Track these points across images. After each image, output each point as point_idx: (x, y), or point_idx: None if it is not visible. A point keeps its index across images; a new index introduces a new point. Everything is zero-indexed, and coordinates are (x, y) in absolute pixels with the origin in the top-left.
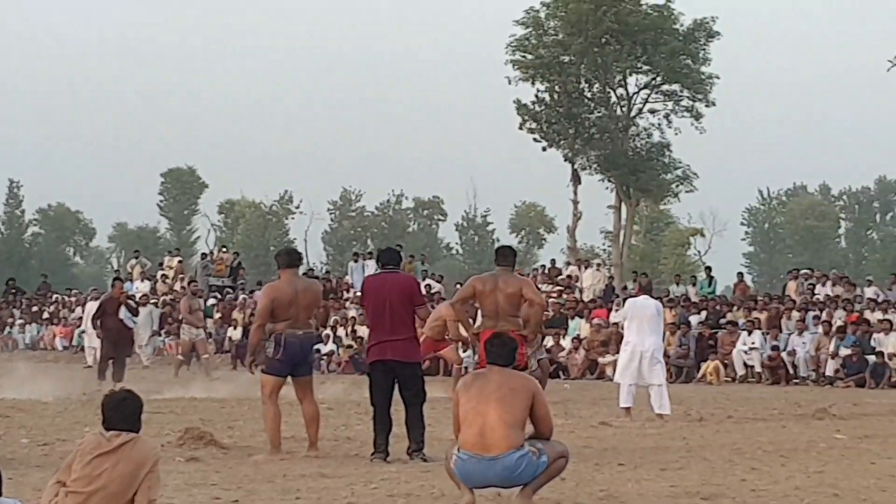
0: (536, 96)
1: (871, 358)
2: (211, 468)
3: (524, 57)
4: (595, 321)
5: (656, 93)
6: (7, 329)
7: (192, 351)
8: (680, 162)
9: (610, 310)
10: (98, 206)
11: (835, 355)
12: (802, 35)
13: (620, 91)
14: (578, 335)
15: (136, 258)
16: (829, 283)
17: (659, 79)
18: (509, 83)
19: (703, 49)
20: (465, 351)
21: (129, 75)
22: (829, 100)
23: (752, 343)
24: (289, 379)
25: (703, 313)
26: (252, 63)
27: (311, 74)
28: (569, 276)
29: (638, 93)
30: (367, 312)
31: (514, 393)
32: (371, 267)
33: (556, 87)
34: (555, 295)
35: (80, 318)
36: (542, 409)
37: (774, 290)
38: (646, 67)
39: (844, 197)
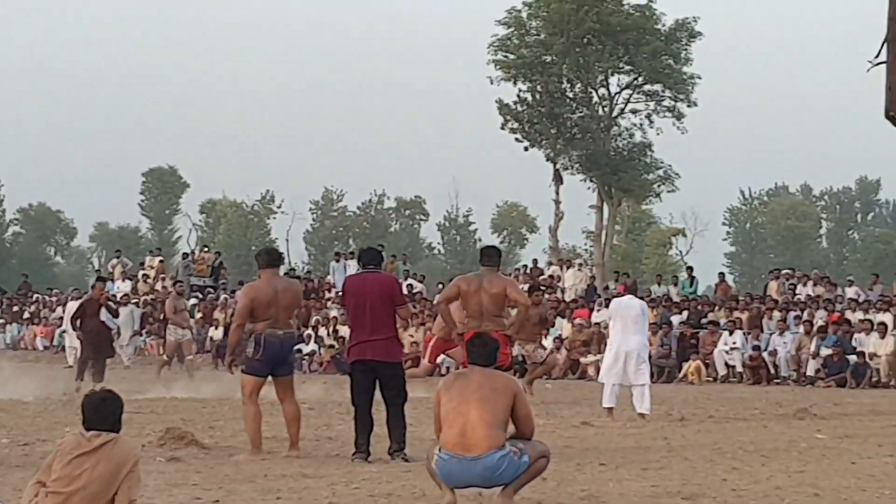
0: (518, 96)
1: (852, 358)
2: (192, 468)
3: (506, 57)
4: (577, 321)
5: (638, 93)
6: None
7: (178, 351)
8: (662, 162)
9: (592, 310)
10: (79, 206)
11: (816, 355)
12: (784, 35)
13: (602, 91)
14: (560, 335)
15: (118, 258)
16: (810, 283)
17: (641, 79)
18: (491, 83)
19: (685, 49)
20: None
21: (111, 74)
22: (810, 100)
23: (734, 343)
24: (270, 379)
25: (685, 313)
26: (234, 62)
27: (292, 74)
28: (551, 276)
29: (620, 93)
30: (347, 312)
31: (496, 393)
32: (353, 267)
33: (538, 87)
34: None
35: (61, 318)
36: (523, 409)
37: (756, 290)
38: (627, 67)
39: (826, 197)
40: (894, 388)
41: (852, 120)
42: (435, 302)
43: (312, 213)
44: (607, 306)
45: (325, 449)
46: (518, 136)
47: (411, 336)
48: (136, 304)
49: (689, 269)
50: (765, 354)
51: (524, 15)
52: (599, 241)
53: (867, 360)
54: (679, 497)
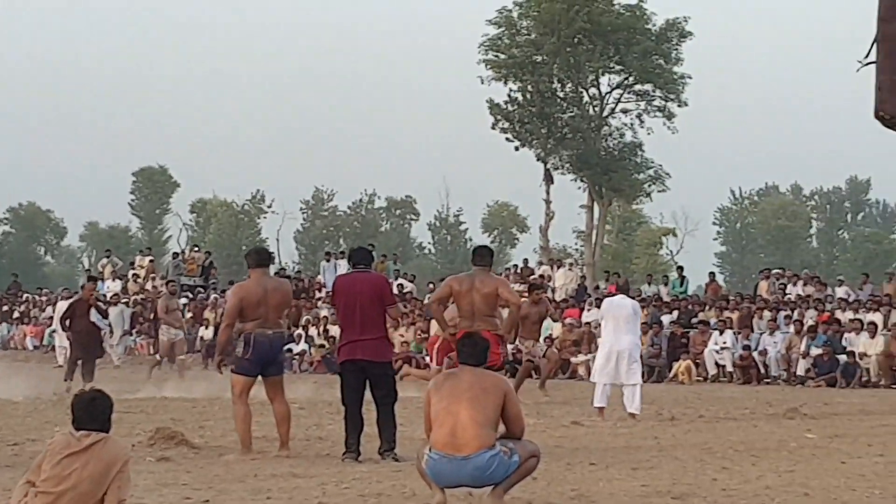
0: (509, 96)
1: (842, 357)
2: (182, 468)
3: (497, 56)
4: (567, 321)
5: (629, 92)
6: None
7: (169, 351)
8: (652, 162)
9: (582, 309)
10: (69, 205)
11: (806, 355)
12: (774, 35)
13: (593, 91)
14: (551, 335)
15: (108, 257)
16: (800, 283)
17: (631, 79)
18: (482, 83)
19: (676, 49)
20: None
21: (101, 73)
22: (800, 100)
23: (724, 342)
24: (260, 378)
25: (675, 313)
26: (225, 62)
27: (283, 73)
28: (541, 276)
29: (610, 92)
30: (337, 312)
31: (486, 392)
32: (343, 266)
33: (529, 87)
34: (526, 295)
35: (51, 318)
36: (513, 409)
37: (746, 290)
38: (618, 67)
39: (816, 197)
40: (884, 387)
41: (842, 120)
42: (427, 302)
43: (303, 213)
44: (598, 306)
45: (316, 449)
46: (509, 135)
47: (402, 336)
48: (127, 304)
49: (680, 268)
50: (755, 354)
51: (515, 15)
52: (590, 241)
53: (857, 359)
54: (669, 496)
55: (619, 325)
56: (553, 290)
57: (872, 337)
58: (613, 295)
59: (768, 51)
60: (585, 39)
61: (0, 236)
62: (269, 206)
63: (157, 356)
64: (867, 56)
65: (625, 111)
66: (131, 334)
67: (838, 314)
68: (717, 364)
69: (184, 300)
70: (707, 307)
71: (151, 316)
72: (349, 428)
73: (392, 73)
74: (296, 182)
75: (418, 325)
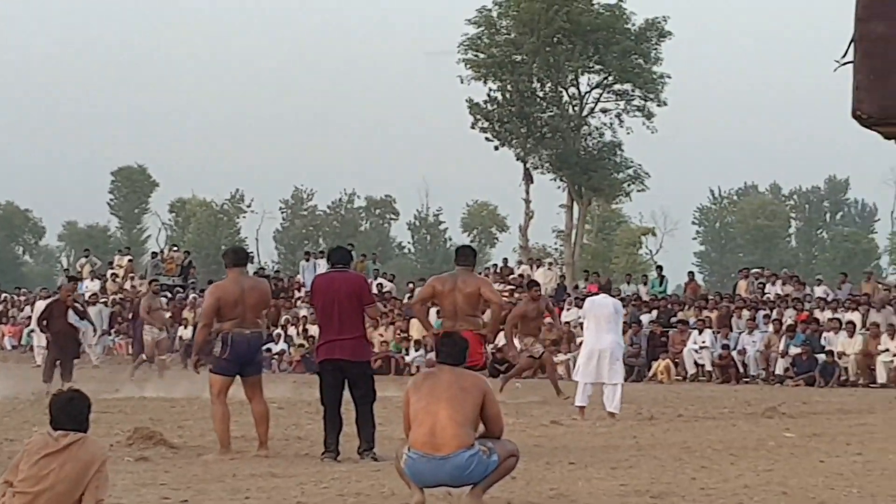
0: (488, 95)
1: (821, 357)
2: (160, 468)
3: (476, 56)
4: (547, 320)
5: (608, 92)
6: None
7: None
8: (631, 161)
9: (562, 309)
10: (48, 205)
11: (784, 354)
12: (753, 35)
13: (572, 90)
14: None
15: (86, 257)
16: (779, 283)
17: (611, 78)
18: (461, 82)
19: (655, 49)
20: (416, 350)
21: (79, 72)
22: (779, 100)
23: (703, 342)
24: (239, 378)
25: (655, 312)
26: (203, 62)
27: (262, 73)
28: (520, 276)
29: (590, 92)
30: (316, 311)
31: (465, 392)
32: (323, 266)
33: (508, 87)
34: (506, 294)
35: (29, 318)
36: (492, 409)
37: (725, 290)
38: (597, 67)
39: (795, 196)
40: (862, 386)
41: (821, 120)
42: (408, 302)
43: (282, 213)
44: (577, 306)
45: (295, 448)
46: (488, 135)
47: (381, 335)
48: (105, 304)
49: (659, 268)
50: (734, 353)
51: (494, 14)
52: (569, 241)
53: (836, 358)
54: (648, 496)
55: (600, 325)
56: None
57: (851, 336)
58: (594, 294)
59: (747, 51)
60: (565, 39)
61: None
62: (249, 206)
63: (143, 356)
64: (844, 55)
65: (604, 111)
66: (110, 334)
67: (817, 313)
68: (696, 363)
69: (163, 300)
70: (686, 306)
71: (130, 315)
72: (328, 427)
73: (371, 72)
74: (275, 181)
75: (398, 325)
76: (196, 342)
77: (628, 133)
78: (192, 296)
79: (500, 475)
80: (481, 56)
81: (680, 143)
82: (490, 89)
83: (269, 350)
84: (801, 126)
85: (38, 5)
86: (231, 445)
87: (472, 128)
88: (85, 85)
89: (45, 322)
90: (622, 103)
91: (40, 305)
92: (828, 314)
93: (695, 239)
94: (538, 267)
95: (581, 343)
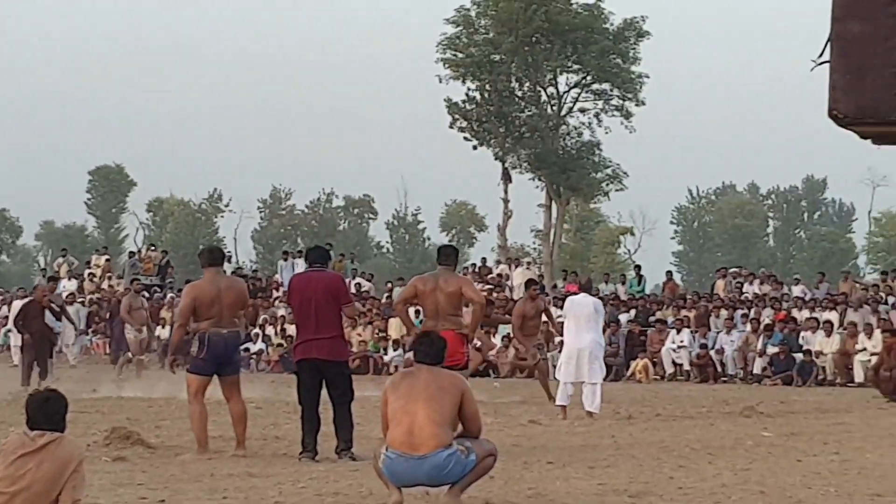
0: (467, 95)
1: (799, 356)
2: (137, 468)
3: (455, 55)
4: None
5: (586, 92)
6: None
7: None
8: (610, 161)
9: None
10: (25, 204)
11: (762, 353)
12: (731, 35)
13: (551, 90)
14: (508, 334)
15: (64, 257)
16: (756, 282)
17: (589, 78)
18: (440, 81)
19: (633, 48)
20: (395, 350)
21: (56, 71)
22: (757, 100)
23: (681, 341)
24: (216, 378)
25: (633, 311)
26: (180, 61)
27: (239, 72)
28: (499, 275)
29: (568, 92)
30: (293, 311)
31: (443, 391)
32: (301, 265)
33: (487, 86)
34: (485, 294)
35: (6, 317)
36: (470, 408)
37: (703, 289)
38: (576, 66)
39: (773, 196)
40: (840, 386)
41: (798, 119)
42: (391, 301)
43: (260, 212)
44: (556, 305)
45: (272, 448)
46: (467, 134)
47: (359, 335)
48: (83, 304)
49: (637, 267)
50: (712, 353)
51: (473, 14)
52: (548, 240)
53: (813, 358)
54: (626, 495)
55: (580, 324)
56: (511, 289)
57: (828, 335)
58: (574, 294)
59: (725, 51)
60: (543, 38)
61: None
62: (227, 205)
63: (128, 354)
64: (821, 55)
65: (582, 110)
66: (87, 334)
67: (795, 313)
68: (674, 363)
69: (144, 299)
70: (664, 306)
71: (108, 315)
72: (306, 427)
73: (349, 71)
74: (253, 181)
75: (376, 325)
76: (172, 342)
77: (607, 133)
78: (169, 295)
79: (478, 475)
80: (460, 55)
81: (658, 143)
82: (468, 89)
83: (247, 350)
84: (778, 126)
85: (13, 4)
86: (208, 445)
87: (451, 127)
88: (62, 84)
89: (20, 322)
90: (600, 103)
91: (17, 305)
92: (805, 313)
93: (673, 238)
94: (516, 266)
95: (560, 342)
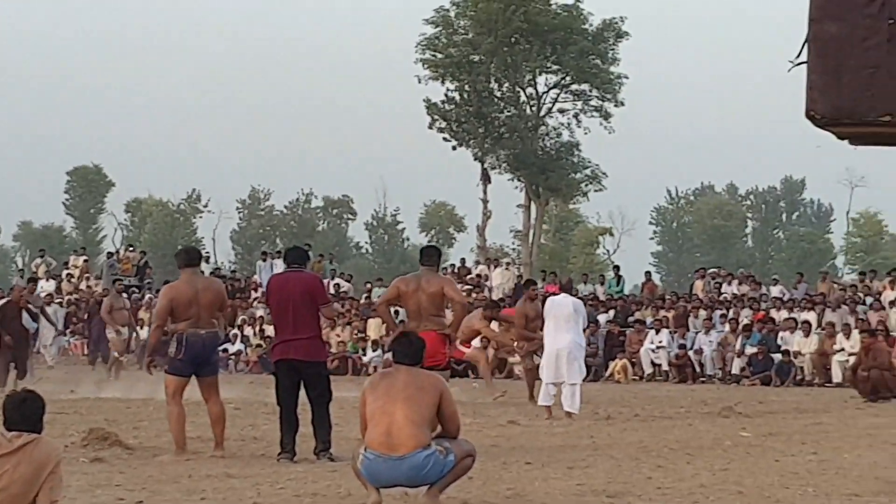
0: (446, 95)
1: (777, 356)
2: (115, 469)
3: (434, 56)
4: None
5: (565, 92)
6: None
7: (105, 349)
8: (589, 161)
9: None
10: (2, 204)
11: (741, 353)
12: (709, 36)
13: (530, 90)
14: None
15: (42, 257)
16: (735, 282)
17: (568, 78)
18: (419, 82)
19: (612, 49)
20: (374, 350)
21: (33, 70)
22: (736, 100)
23: (660, 342)
24: (195, 379)
25: (612, 312)
26: (159, 60)
27: (218, 72)
28: (478, 276)
29: (547, 92)
30: (271, 311)
31: (422, 392)
32: (280, 266)
33: (466, 87)
34: (464, 294)
35: None
36: (449, 408)
37: (682, 289)
38: (555, 67)
39: (751, 197)
40: (818, 386)
41: (777, 120)
42: (376, 304)
43: (239, 212)
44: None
45: (251, 449)
46: (446, 135)
47: (338, 336)
48: (61, 304)
49: (616, 267)
50: (690, 353)
51: (452, 14)
52: (527, 241)
53: (792, 358)
54: (604, 495)
55: (559, 324)
56: (490, 290)
57: (806, 336)
58: (554, 294)
59: (703, 51)
60: (522, 39)
61: None
62: (205, 206)
63: (115, 354)
64: (798, 56)
65: (562, 111)
66: (65, 334)
67: (773, 313)
68: (652, 363)
69: (126, 300)
70: (643, 306)
71: (86, 316)
72: (284, 428)
73: (329, 71)
74: (232, 181)
75: (355, 325)
76: (149, 343)
77: (586, 133)
78: (147, 296)
79: (456, 475)
80: (439, 56)
81: (637, 144)
82: (448, 89)
83: (225, 350)
84: (757, 127)
85: None
86: (187, 446)
87: (430, 128)
88: (39, 84)
89: None
90: (579, 103)
91: None
92: (784, 314)
93: (652, 239)
94: (496, 267)
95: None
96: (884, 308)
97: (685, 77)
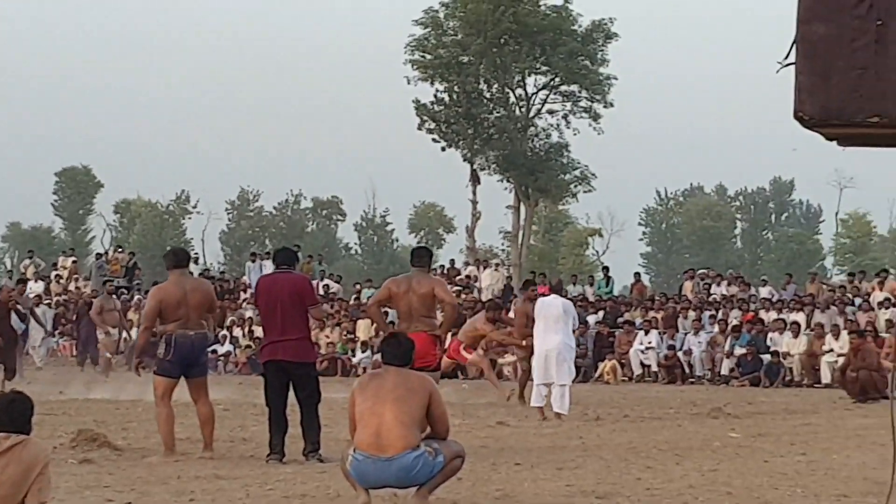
0: (435, 96)
1: (766, 357)
2: (104, 470)
3: (423, 57)
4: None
5: (555, 93)
6: None
7: (92, 351)
8: (578, 162)
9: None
10: None
11: (730, 354)
12: (699, 37)
13: (519, 91)
14: None
15: (30, 258)
16: (724, 283)
17: (557, 79)
18: (408, 83)
19: (601, 50)
20: (363, 351)
21: (22, 71)
22: (725, 101)
23: (649, 342)
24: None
25: (601, 313)
26: (148, 61)
27: (207, 73)
28: (467, 277)
29: (537, 93)
30: (260, 312)
31: (411, 393)
32: (269, 267)
33: (455, 88)
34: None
35: None
36: (438, 409)
37: (671, 290)
38: (544, 68)
39: (740, 198)
40: (807, 387)
41: (766, 121)
42: (367, 305)
43: (228, 214)
44: None
45: (240, 450)
46: (435, 136)
47: (327, 337)
48: (49, 305)
49: (605, 268)
50: (680, 354)
51: (441, 15)
52: (516, 242)
53: (781, 359)
54: (593, 496)
55: (548, 325)
56: (479, 291)
57: (795, 336)
58: (543, 295)
59: (693, 53)
60: (512, 40)
61: None
62: (194, 207)
63: (107, 354)
64: (787, 57)
65: (551, 112)
66: (54, 335)
67: (762, 314)
68: (642, 364)
69: (117, 301)
70: (632, 307)
71: (74, 317)
72: (273, 429)
73: (318, 72)
74: (221, 182)
75: (344, 326)
76: (137, 345)
77: (575, 134)
78: (136, 297)
79: (445, 476)
80: (428, 57)
81: (626, 145)
82: (437, 90)
83: (214, 352)
84: (746, 128)
85: None
86: (175, 447)
87: (419, 129)
88: (28, 85)
89: None
90: (569, 104)
91: None
92: (773, 315)
93: (641, 240)
94: (485, 268)
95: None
96: (872, 309)
97: (674, 78)
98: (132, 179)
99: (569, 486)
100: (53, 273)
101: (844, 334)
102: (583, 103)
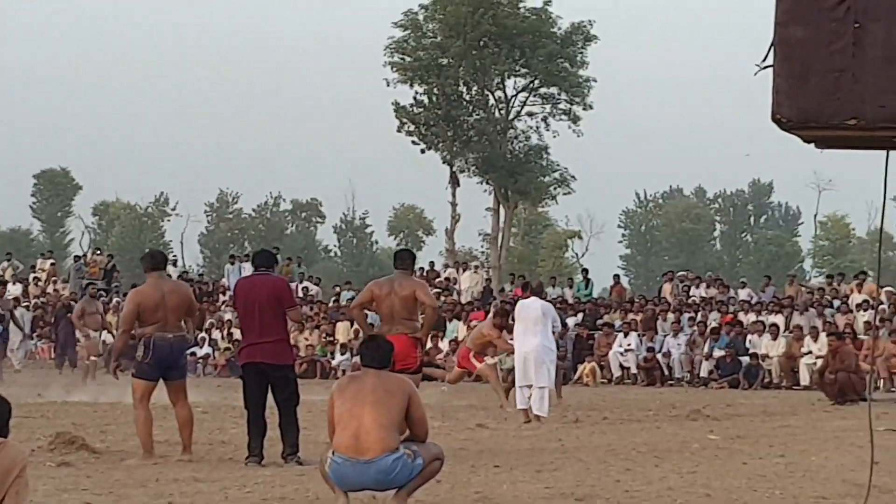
0: (415, 98)
1: (745, 359)
2: (82, 473)
3: (402, 59)
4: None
5: (534, 96)
6: None
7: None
8: (558, 164)
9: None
10: None
11: (709, 356)
12: (677, 39)
13: (499, 94)
14: (456, 337)
15: (8, 260)
16: (703, 285)
17: (537, 82)
18: (388, 85)
19: (581, 52)
20: (342, 354)
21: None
22: (703, 103)
23: (628, 345)
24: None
25: (580, 315)
26: (127, 62)
27: (187, 74)
28: (447, 279)
29: (516, 96)
30: (238, 315)
31: (390, 395)
32: (248, 269)
33: (435, 90)
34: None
35: None
36: (417, 411)
37: (650, 293)
38: (524, 70)
39: (719, 200)
40: (786, 389)
41: (745, 123)
42: (350, 307)
43: (207, 216)
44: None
45: (218, 453)
46: (414, 138)
47: (306, 339)
48: (27, 308)
49: (585, 270)
50: (659, 356)
51: (420, 17)
52: (496, 244)
53: (759, 361)
54: (572, 498)
55: (527, 328)
56: (458, 293)
57: (774, 339)
58: (525, 297)
59: (671, 55)
60: (491, 42)
61: None
62: (173, 209)
63: (92, 357)
64: (765, 60)
65: (530, 114)
66: (32, 338)
67: (741, 316)
68: (621, 366)
69: (100, 304)
70: (612, 309)
71: (53, 319)
72: (252, 432)
73: (297, 74)
74: (200, 184)
75: (323, 329)
76: (115, 348)
77: (554, 136)
78: (115, 300)
79: (424, 479)
80: (407, 59)
81: (605, 147)
82: (416, 92)
83: (193, 354)
84: (725, 130)
85: None
86: (154, 450)
87: (399, 131)
88: (6, 87)
89: None
90: (548, 107)
91: None
92: (752, 317)
93: (620, 242)
94: (464, 270)
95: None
96: (851, 311)
97: (653, 80)
98: (111, 182)
99: (548, 489)
100: (32, 275)
101: (823, 336)
102: (562, 105)
